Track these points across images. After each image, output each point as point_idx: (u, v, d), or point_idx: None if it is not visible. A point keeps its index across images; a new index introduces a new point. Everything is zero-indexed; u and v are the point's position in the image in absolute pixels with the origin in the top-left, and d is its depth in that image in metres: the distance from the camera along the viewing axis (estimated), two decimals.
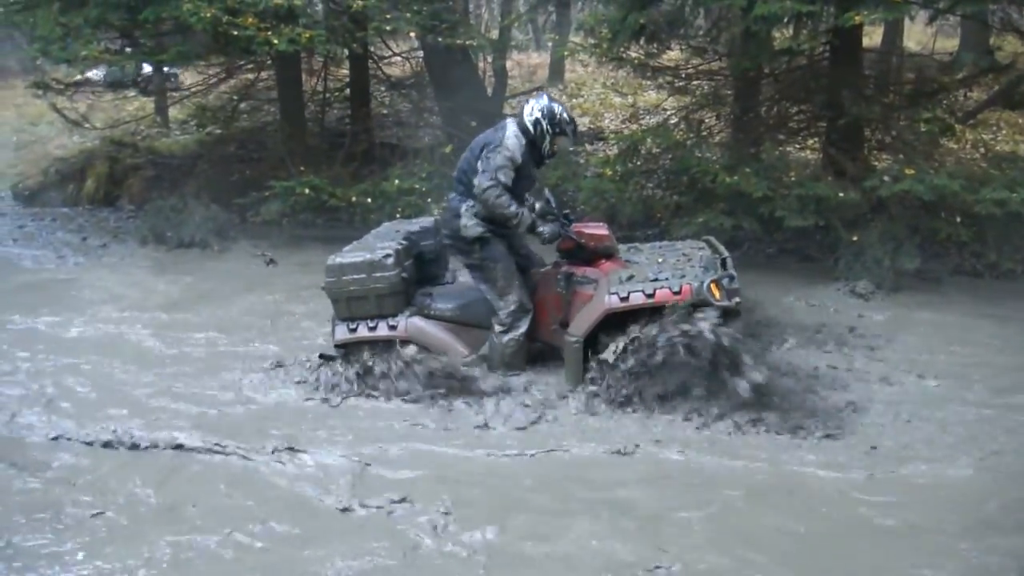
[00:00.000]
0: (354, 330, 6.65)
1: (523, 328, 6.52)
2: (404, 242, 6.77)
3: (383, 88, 13.96)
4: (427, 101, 13.69)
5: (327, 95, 13.82)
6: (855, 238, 9.05)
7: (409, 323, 6.63)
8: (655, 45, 10.54)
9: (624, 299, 6.05)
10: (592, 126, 15.00)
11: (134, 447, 5.64)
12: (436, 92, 13.34)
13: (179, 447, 5.60)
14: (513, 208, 6.29)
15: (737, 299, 6.08)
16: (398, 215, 10.59)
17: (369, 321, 6.63)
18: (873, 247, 8.94)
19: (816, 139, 11.18)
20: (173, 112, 16.24)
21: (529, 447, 5.61)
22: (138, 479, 5.21)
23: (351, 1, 10.67)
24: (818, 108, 10.68)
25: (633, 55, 10.53)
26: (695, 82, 11.55)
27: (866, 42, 11.94)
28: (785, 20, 9.48)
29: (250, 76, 13.79)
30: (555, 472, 5.31)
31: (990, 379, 6.60)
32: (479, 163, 6.37)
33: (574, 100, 17.20)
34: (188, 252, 11.21)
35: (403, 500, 4.91)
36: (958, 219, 9.03)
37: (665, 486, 5.10)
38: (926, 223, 9.26)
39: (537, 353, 6.73)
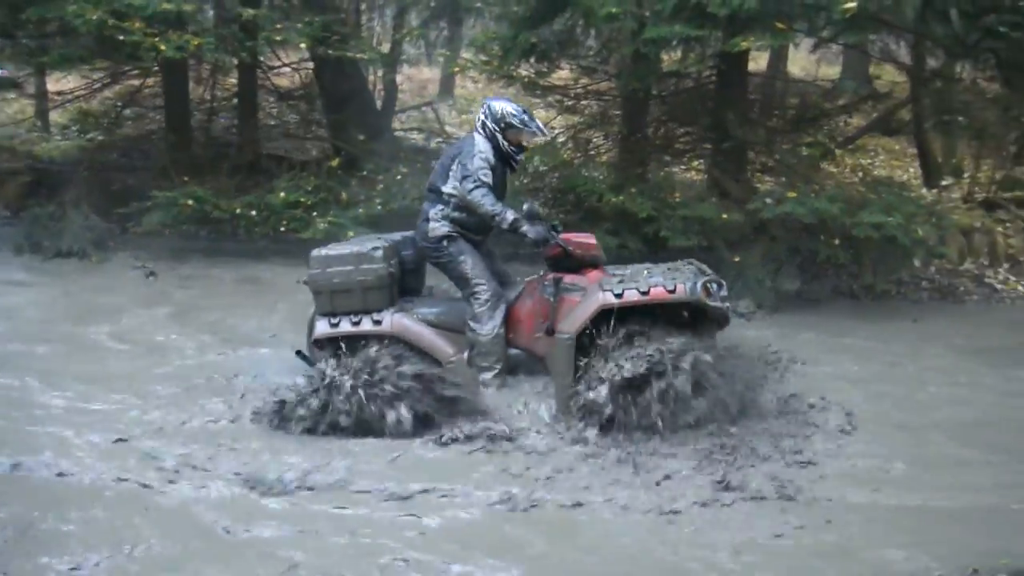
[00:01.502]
0: (336, 325, 6.37)
1: (499, 319, 6.43)
2: (389, 243, 6.64)
3: (272, 99, 13.76)
4: (316, 113, 13.52)
5: (214, 104, 13.56)
6: (737, 259, 9.22)
7: (394, 319, 6.40)
8: (545, 64, 10.60)
9: (619, 296, 6.03)
10: None
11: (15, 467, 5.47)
12: (325, 104, 13.20)
13: (60, 475, 5.41)
14: (498, 206, 6.28)
15: (727, 304, 6.25)
16: (283, 228, 10.47)
17: (352, 316, 6.37)
18: (755, 268, 9.12)
19: (701, 161, 11.39)
20: (54, 116, 15.75)
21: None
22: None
23: (241, 10, 10.51)
24: (704, 130, 10.90)
25: (523, 73, 10.58)
26: (584, 102, 11.66)
27: (752, 67, 12.21)
28: (674, 43, 9.65)
29: (135, 82, 13.45)
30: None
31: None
32: (453, 172, 6.42)
33: (464, 116, 17.19)
34: (66, 262, 10.76)
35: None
36: (837, 241, 9.22)
37: None
38: (806, 245, 9.47)
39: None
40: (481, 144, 6.42)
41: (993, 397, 7.02)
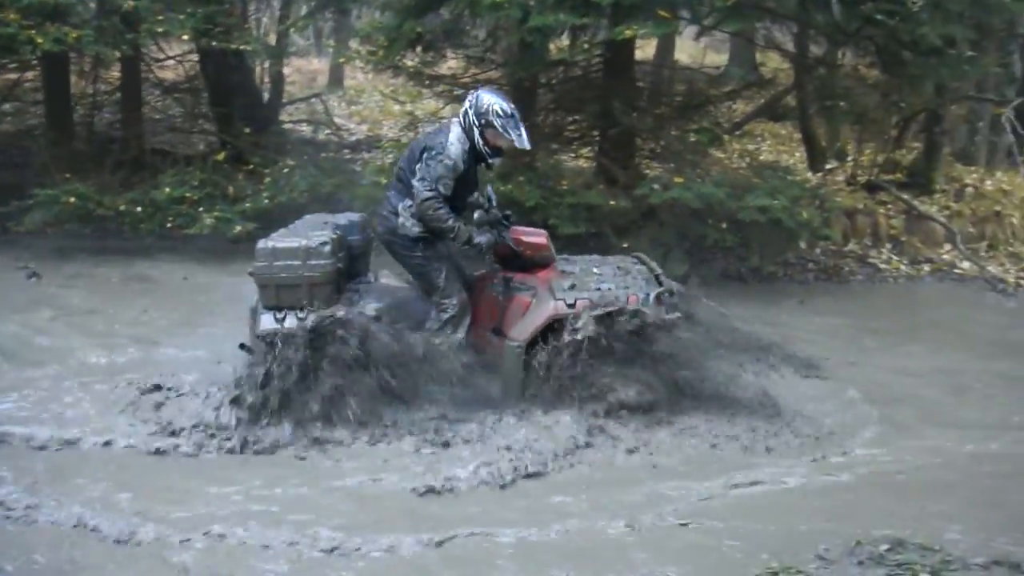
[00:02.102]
0: (281, 320, 6.06)
1: (463, 331, 6.23)
2: (337, 232, 6.36)
3: (157, 92, 13.45)
4: (202, 106, 13.26)
5: (97, 98, 13.19)
6: (626, 245, 9.23)
7: (352, 314, 6.08)
8: (432, 54, 10.56)
9: (571, 305, 5.97)
10: (371, 133, 14.94)
11: None
12: (211, 97, 12.95)
13: None
14: (451, 222, 6.05)
15: (678, 314, 6.09)
16: (169, 225, 10.26)
17: (299, 311, 6.04)
18: (643, 253, 9.16)
19: (590, 148, 11.43)
20: None
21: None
22: None
23: (122, 1, 10.24)
24: (592, 118, 10.93)
25: (409, 63, 10.51)
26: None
27: (641, 55, 12.32)
28: (560, 32, 9.68)
29: (13, 76, 13.05)
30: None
31: None
32: (419, 167, 6.06)
33: (353, 107, 17.11)
34: None
35: None
36: (724, 225, 9.38)
37: None
38: (695, 229, 9.57)
39: None
40: (454, 146, 6.03)
41: (882, 375, 7.26)
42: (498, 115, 6.04)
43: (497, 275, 6.40)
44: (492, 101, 6.08)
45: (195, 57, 12.96)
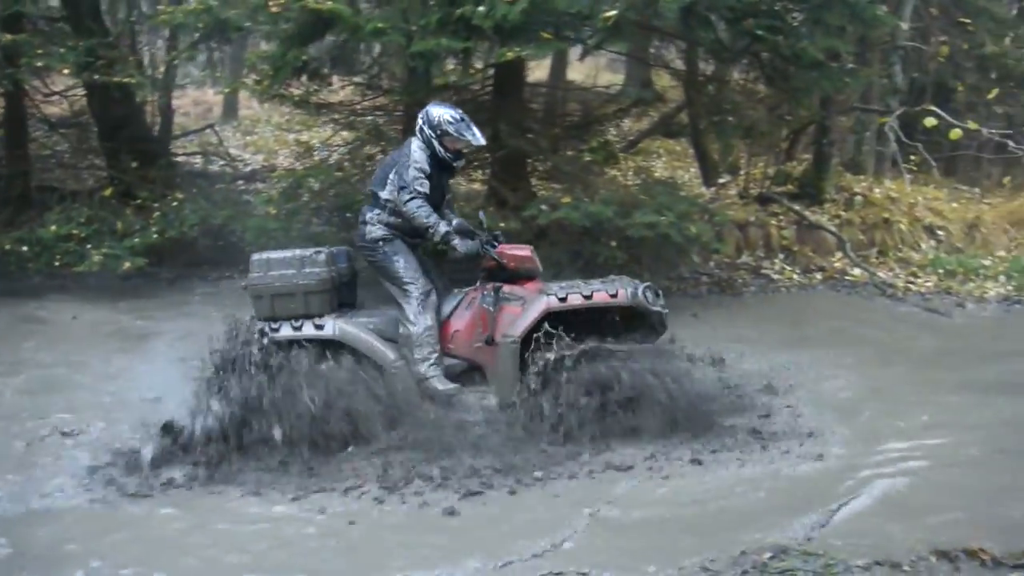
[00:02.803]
0: (276, 330, 6.27)
1: (431, 314, 6.49)
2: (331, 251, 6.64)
3: (44, 128, 13.17)
4: (91, 141, 13.01)
5: None
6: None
7: (337, 324, 6.41)
8: (318, 81, 10.49)
9: (562, 300, 6.25)
10: (266, 163, 14.77)
11: None
12: (99, 132, 12.70)
13: None
14: (432, 218, 6.40)
15: (666, 310, 6.46)
16: (57, 263, 10.06)
17: (294, 321, 6.30)
18: None
19: (483, 171, 11.44)
20: None
21: None
22: None
23: (1, 35, 10.00)
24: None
25: (296, 92, 10.42)
26: (366, 118, 11.57)
27: (537, 76, 12.40)
28: (444, 56, 9.67)
29: None
30: None
31: None
32: (391, 179, 6.50)
33: (248, 137, 16.94)
34: None
35: None
36: (614, 243, 9.41)
37: None
38: (587, 248, 9.60)
39: None
40: (417, 153, 6.49)
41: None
42: (449, 122, 6.52)
43: (487, 287, 6.57)
44: (441, 112, 6.59)
45: (81, 92, 12.72)
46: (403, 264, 6.55)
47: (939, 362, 8.36)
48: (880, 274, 11.29)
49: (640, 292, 6.28)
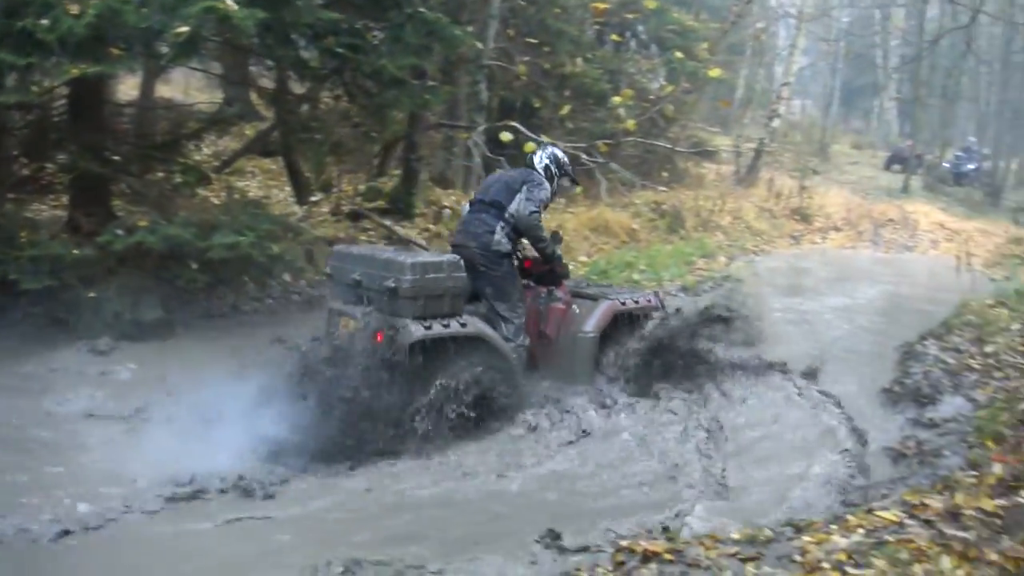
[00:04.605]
0: (428, 328, 6.70)
1: (526, 337, 7.59)
2: None
3: None
4: None
5: None
6: (92, 294, 8.92)
7: (472, 321, 7.04)
8: None
9: (623, 304, 8.00)
10: None
11: None
12: None
13: None
14: (546, 237, 7.70)
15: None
16: None
17: (442, 320, 6.81)
18: (112, 301, 8.88)
19: (63, 196, 10.93)
20: None
21: None
22: None
23: None
24: (62, 163, 10.45)
25: None
26: None
27: (128, 94, 12.01)
28: (5, 73, 9.17)
29: None
30: None
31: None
32: (523, 194, 7.47)
33: None
34: None
35: None
36: (195, 266, 9.26)
37: None
38: (169, 272, 9.40)
39: None
40: (547, 182, 7.68)
41: None
42: (568, 165, 8.10)
43: (539, 290, 7.97)
44: (562, 156, 8.05)
45: None
46: (519, 286, 7.64)
47: None
48: None
49: (661, 298, 8.55)
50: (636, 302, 8.11)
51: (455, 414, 6.75)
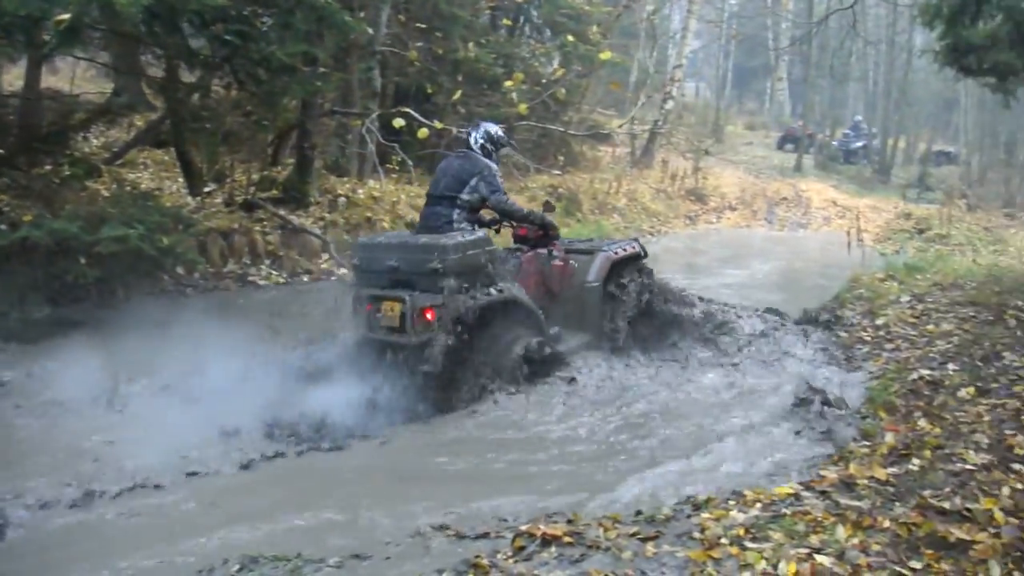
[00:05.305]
0: (474, 299, 7.24)
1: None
2: None
3: None
4: None
5: None
6: None
7: (507, 288, 7.60)
8: None
9: (616, 253, 8.71)
10: None
11: None
12: None
13: None
14: (524, 209, 8.27)
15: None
16: None
17: (485, 288, 7.38)
18: None
19: None
20: None
21: None
22: None
23: None
24: None
25: None
26: None
27: (14, 85, 11.71)
28: None
29: None
30: None
31: None
32: (483, 188, 7.73)
33: None
34: None
35: None
36: (84, 260, 9.08)
37: None
38: (57, 268, 9.19)
39: None
40: (492, 163, 7.94)
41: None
42: (503, 137, 8.20)
43: (539, 252, 8.41)
44: (495, 128, 8.17)
45: None
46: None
47: None
48: None
49: (640, 244, 9.22)
50: (624, 250, 8.81)
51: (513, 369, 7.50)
